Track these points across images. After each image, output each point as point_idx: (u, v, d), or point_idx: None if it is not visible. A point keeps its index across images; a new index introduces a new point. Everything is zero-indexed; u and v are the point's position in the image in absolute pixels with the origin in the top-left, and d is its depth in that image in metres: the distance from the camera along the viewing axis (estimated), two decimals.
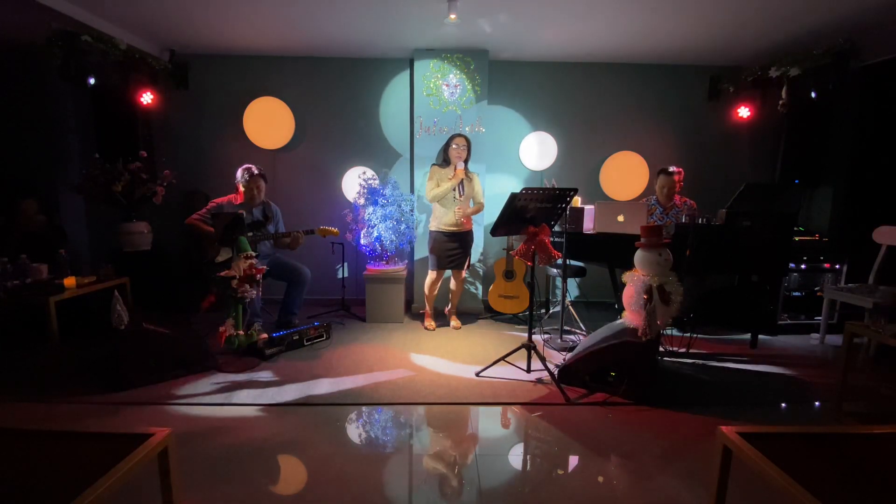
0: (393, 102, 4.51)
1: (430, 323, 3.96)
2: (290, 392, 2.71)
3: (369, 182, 4.08)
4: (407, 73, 4.44)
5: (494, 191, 4.56)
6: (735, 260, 3.40)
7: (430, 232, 3.83)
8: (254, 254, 3.07)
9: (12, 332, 3.36)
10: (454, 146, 3.67)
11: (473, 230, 3.95)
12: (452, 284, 3.98)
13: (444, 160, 3.75)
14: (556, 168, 4.53)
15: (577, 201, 3.63)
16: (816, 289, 3.87)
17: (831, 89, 3.70)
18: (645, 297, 2.48)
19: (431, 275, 3.89)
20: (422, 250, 4.33)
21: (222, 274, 2.94)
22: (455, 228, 3.74)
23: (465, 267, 3.90)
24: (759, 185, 3.77)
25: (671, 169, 3.78)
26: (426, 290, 3.96)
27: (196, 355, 2.97)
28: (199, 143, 4.49)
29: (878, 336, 2.38)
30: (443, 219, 3.74)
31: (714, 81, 4.49)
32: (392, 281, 4.02)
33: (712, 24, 3.48)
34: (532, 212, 2.79)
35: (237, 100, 4.36)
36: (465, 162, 3.68)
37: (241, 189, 3.59)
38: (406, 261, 4.28)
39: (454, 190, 3.68)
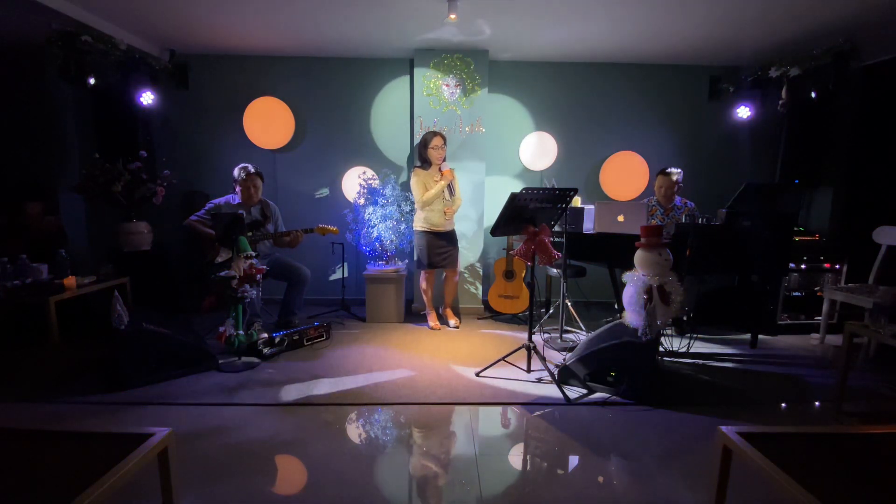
0: (393, 102, 4.51)
1: (435, 322, 3.94)
2: (290, 392, 2.71)
3: (369, 182, 4.08)
4: (407, 72, 4.45)
5: (494, 191, 4.56)
6: (735, 260, 3.39)
7: (418, 232, 3.83)
8: (254, 254, 3.07)
9: (12, 332, 3.36)
10: (433, 147, 3.69)
11: (466, 228, 3.99)
12: (447, 283, 4.00)
13: (425, 161, 3.76)
14: (556, 168, 4.52)
15: (577, 201, 3.64)
16: (816, 289, 3.87)
17: (831, 89, 3.69)
18: (645, 297, 2.48)
19: (423, 275, 3.91)
20: None
21: (222, 274, 2.94)
22: (442, 228, 3.79)
23: (457, 264, 3.94)
24: (759, 185, 3.76)
25: (669, 170, 3.79)
26: (423, 292, 3.97)
27: (196, 355, 2.96)
28: (199, 143, 4.49)
29: (878, 336, 2.38)
30: (431, 219, 3.76)
31: (714, 81, 4.49)
32: (392, 281, 4.02)
33: (712, 24, 3.48)
34: (532, 212, 2.79)
35: (237, 100, 4.36)
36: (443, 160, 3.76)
37: (238, 188, 3.59)
38: (406, 261, 4.28)
39: (444, 191, 3.74)
